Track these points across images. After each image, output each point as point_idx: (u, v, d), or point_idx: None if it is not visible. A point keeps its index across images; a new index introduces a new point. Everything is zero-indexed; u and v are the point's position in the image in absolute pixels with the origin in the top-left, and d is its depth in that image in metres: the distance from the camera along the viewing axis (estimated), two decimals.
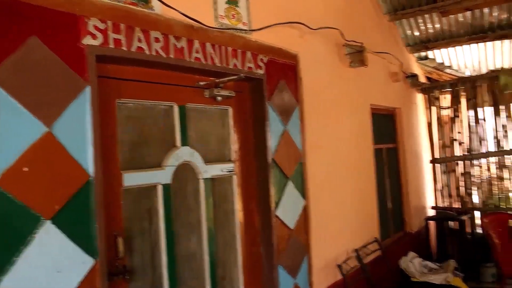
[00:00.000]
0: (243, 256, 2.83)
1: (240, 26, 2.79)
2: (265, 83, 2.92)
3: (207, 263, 2.58)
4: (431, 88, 6.39)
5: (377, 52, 4.79)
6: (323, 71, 3.79)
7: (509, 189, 5.75)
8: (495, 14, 5.58)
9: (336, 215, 3.79)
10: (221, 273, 2.70)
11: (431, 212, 6.13)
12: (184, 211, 2.51)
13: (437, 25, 5.90)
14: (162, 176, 2.36)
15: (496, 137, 5.77)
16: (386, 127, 5.37)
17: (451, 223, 5.78)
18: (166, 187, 2.37)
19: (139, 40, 2.11)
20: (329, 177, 3.73)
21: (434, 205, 6.22)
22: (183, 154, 2.51)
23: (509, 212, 4.94)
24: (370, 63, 4.38)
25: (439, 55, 6.63)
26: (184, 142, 2.52)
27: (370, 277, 3.95)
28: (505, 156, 5.70)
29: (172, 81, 2.47)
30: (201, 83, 2.62)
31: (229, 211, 2.81)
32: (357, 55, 4.05)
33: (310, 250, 3.26)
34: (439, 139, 6.26)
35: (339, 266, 3.58)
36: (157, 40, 2.20)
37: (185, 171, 2.52)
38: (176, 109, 2.48)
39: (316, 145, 3.51)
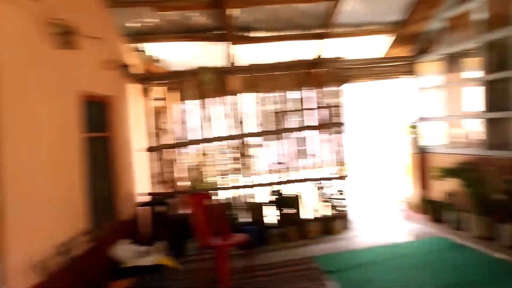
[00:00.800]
0: None
1: None
2: None
3: None
4: (146, 79, 6.65)
5: (90, 37, 4.59)
6: (23, 49, 3.36)
7: (207, 173, 6.63)
8: (202, 18, 6.27)
9: (40, 209, 3.45)
10: None
11: (147, 199, 6.39)
12: None
13: (153, 20, 6.17)
14: None
15: (201, 127, 6.53)
16: (100, 115, 5.26)
17: (162, 208, 6.19)
18: None
19: None
20: (31, 167, 3.36)
21: (149, 191, 6.52)
22: None
23: (204, 193, 5.65)
24: (81, 48, 4.18)
25: (156, 48, 6.96)
26: None
27: (79, 270, 3.80)
28: (206, 144, 6.54)
29: None
30: None
31: None
32: (65, 37, 3.78)
33: (6, 252, 2.86)
34: (153, 129, 6.61)
35: (39, 265, 3.27)
36: None
37: None
38: None
39: (13, 131, 3.10)
